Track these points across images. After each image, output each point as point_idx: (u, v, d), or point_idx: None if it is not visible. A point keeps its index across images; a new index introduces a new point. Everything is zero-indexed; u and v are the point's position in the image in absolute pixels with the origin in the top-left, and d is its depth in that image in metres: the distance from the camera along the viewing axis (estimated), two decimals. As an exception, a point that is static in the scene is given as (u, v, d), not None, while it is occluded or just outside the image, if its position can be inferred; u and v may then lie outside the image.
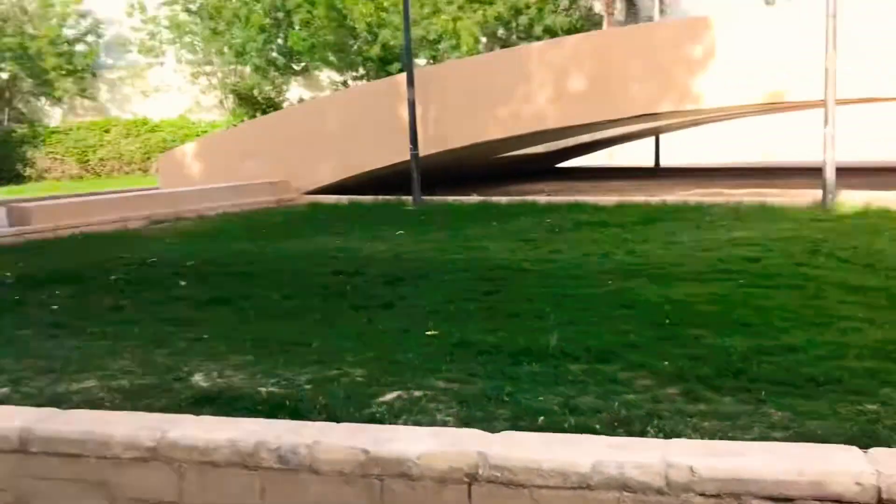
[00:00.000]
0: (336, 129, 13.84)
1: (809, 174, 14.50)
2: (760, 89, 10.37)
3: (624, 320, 4.62)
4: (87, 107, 27.10)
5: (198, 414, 3.41)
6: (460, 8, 25.95)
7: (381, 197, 13.19)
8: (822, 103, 9.23)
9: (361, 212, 12.22)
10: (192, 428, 2.83)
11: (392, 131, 13.09)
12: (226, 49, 26.11)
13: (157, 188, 16.59)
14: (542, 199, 11.61)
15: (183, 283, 6.89)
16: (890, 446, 2.59)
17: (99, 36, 26.76)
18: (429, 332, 4.73)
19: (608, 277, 6.02)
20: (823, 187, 9.32)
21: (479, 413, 3.29)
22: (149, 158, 25.49)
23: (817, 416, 3.01)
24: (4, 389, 3.94)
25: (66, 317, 5.72)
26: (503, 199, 11.98)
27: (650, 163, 19.31)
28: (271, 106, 27.04)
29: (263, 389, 3.76)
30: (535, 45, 13.40)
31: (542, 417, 3.14)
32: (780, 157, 21.39)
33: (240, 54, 25.89)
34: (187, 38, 25.80)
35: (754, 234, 7.76)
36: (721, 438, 2.80)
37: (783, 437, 2.83)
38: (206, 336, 4.88)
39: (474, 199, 12.48)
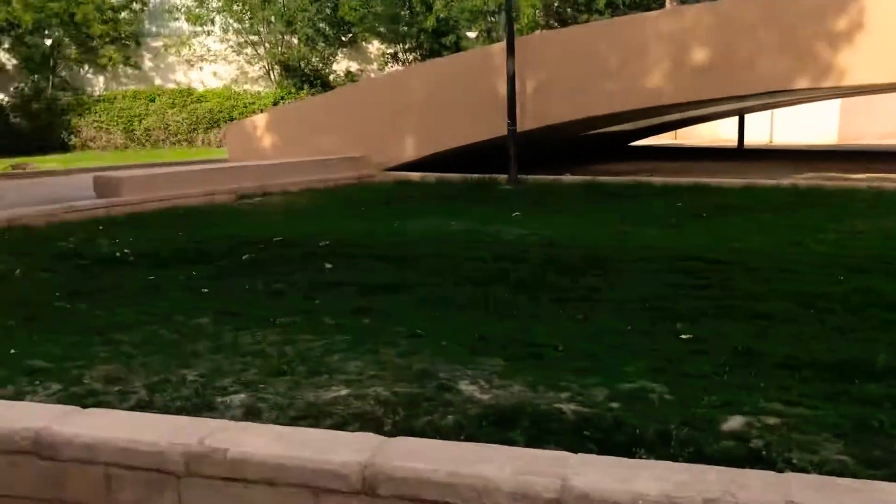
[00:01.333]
0: (422, 102, 13.15)
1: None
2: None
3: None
4: (130, 75, 26.43)
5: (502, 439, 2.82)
6: (519, -21, 25.06)
7: (469, 175, 12.55)
8: None
9: (457, 191, 11.57)
10: (594, 472, 2.20)
11: (484, 105, 12.41)
12: (273, 18, 25.36)
13: (223, 161, 16.01)
14: (656, 180, 10.92)
15: (329, 265, 6.30)
16: None
17: (144, 3, 26.04)
18: (683, 336, 4.11)
19: (830, 272, 5.37)
20: None
21: (877, 452, 2.67)
22: (194, 130, 24.90)
23: None
24: (241, 395, 3.34)
25: (225, 302, 5.13)
26: (610, 180, 11.30)
27: (715, 143, 18.53)
28: (318, 78, 26.33)
29: (564, 407, 3.15)
30: (649, 14, 12.60)
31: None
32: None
33: (289, 24, 25.15)
34: (236, 7, 25.03)
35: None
36: None
37: None
38: (420, 332, 4.27)
39: (576, 178, 11.81)
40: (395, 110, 13.42)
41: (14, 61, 25.67)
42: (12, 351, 4.01)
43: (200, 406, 3.22)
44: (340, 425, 3.02)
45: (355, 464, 2.30)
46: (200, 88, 25.90)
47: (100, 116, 24.66)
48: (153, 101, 25.05)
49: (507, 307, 4.86)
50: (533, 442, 2.80)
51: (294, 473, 2.33)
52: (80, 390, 3.49)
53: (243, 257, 6.72)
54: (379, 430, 2.92)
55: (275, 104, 24.90)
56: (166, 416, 2.80)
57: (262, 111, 24.67)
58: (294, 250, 6.99)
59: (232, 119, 24.77)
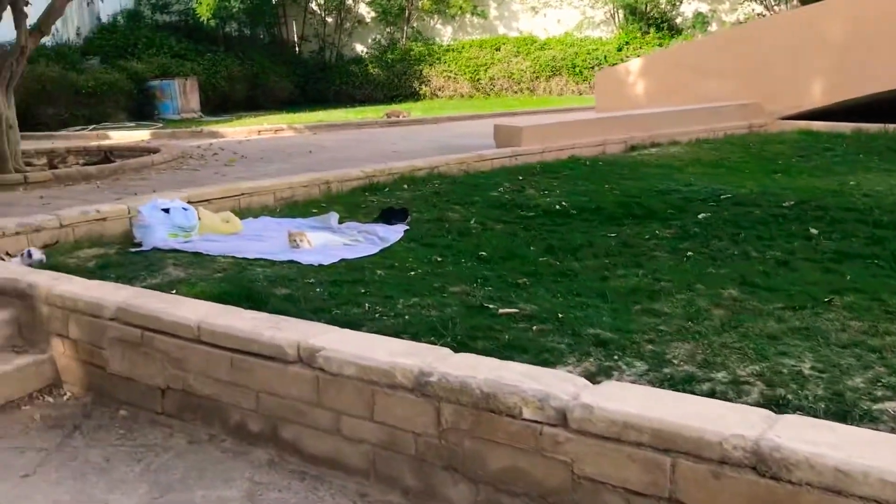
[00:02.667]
0: (836, 42, 11.52)
1: None
2: None
3: None
4: (475, 24, 26.99)
5: None
6: None
7: (890, 126, 10.80)
8: None
9: (884, 143, 9.97)
10: None
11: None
12: (621, -41, 24.29)
13: (587, 109, 15.60)
14: None
15: (813, 230, 5.44)
16: None
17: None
18: None
19: None
20: None
21: None
22: (537, 78, 24.85)
23: None
24: (901, 407, 2.66)
25: (732, 270, 4.50)
26: None
27: None
28: (664, 21, 24.90)
29: None
30: None
31: None
32: None
33: (638, -37, 23.95)
34: (584, -52, 24.36)
35: None
36: None
37: None
38: None
39: None
40: (798, 51, 11.92)
41: (373, 14, 27.37)
42: (560, 315, 3.71)
43: (863, 416, 2.59)
44: None
45: None
46: (542, 36, 25.73)
47: (448, 66, 25.52)
48: (498, 49, 25.38)
49: None
50: None
51: None
52: (673, 372, 3.04)
53: (699, 216, 6.08)
54: None
55: (619, 50, 24.05)
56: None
57: (605, 57, 23.97)
58: (753, 210, 6.22)
59: (574, 66, 24.37)
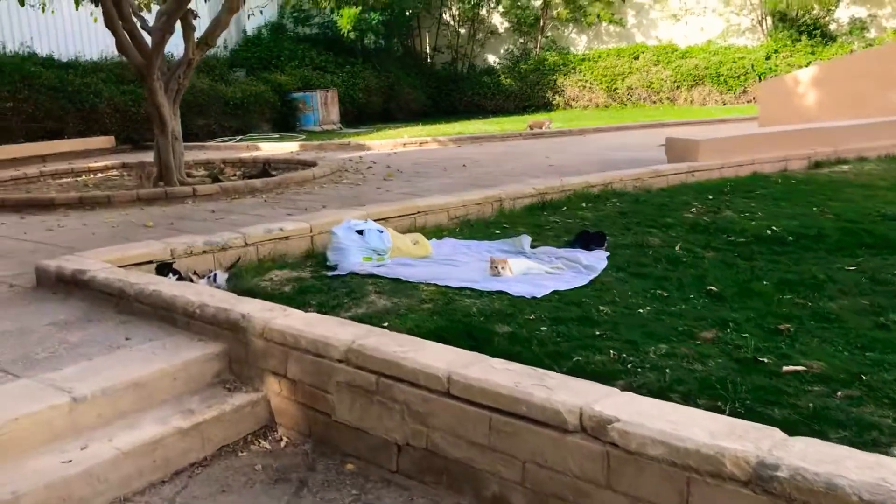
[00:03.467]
0: None
1: None
2: None
3: None
4: (611, 33, 26.16)
5: None
6: None
7: None
8: None
9: None
10: None
11: None
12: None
13: (741, 119, 14.63)
14: None
15: None
16: None
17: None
18: None
19: None
20: None
21: None
22: (678, 87, 23.80)
23: None
24: None
25: None
26: None
27: None
28: (817, 28, 23.34)
29: None
30: None
31: None
32: None
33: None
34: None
35: None
36: None
37: None
38: None
39: None
40: None
41: (506, 24, 27.01)
42: (863, 376, 3.07)
43: None
44: None
45: None
46: (683, 44, 24.64)
47: (583, 75, 24.82)
48: (636, 58, 24.48)
49: None
50: None
51: None
52: None
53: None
54: None
55: (767, 58, 22.72)
56: None
57: (752, 66, 22.70)
58: None
59: (718, 76, 23.21)
